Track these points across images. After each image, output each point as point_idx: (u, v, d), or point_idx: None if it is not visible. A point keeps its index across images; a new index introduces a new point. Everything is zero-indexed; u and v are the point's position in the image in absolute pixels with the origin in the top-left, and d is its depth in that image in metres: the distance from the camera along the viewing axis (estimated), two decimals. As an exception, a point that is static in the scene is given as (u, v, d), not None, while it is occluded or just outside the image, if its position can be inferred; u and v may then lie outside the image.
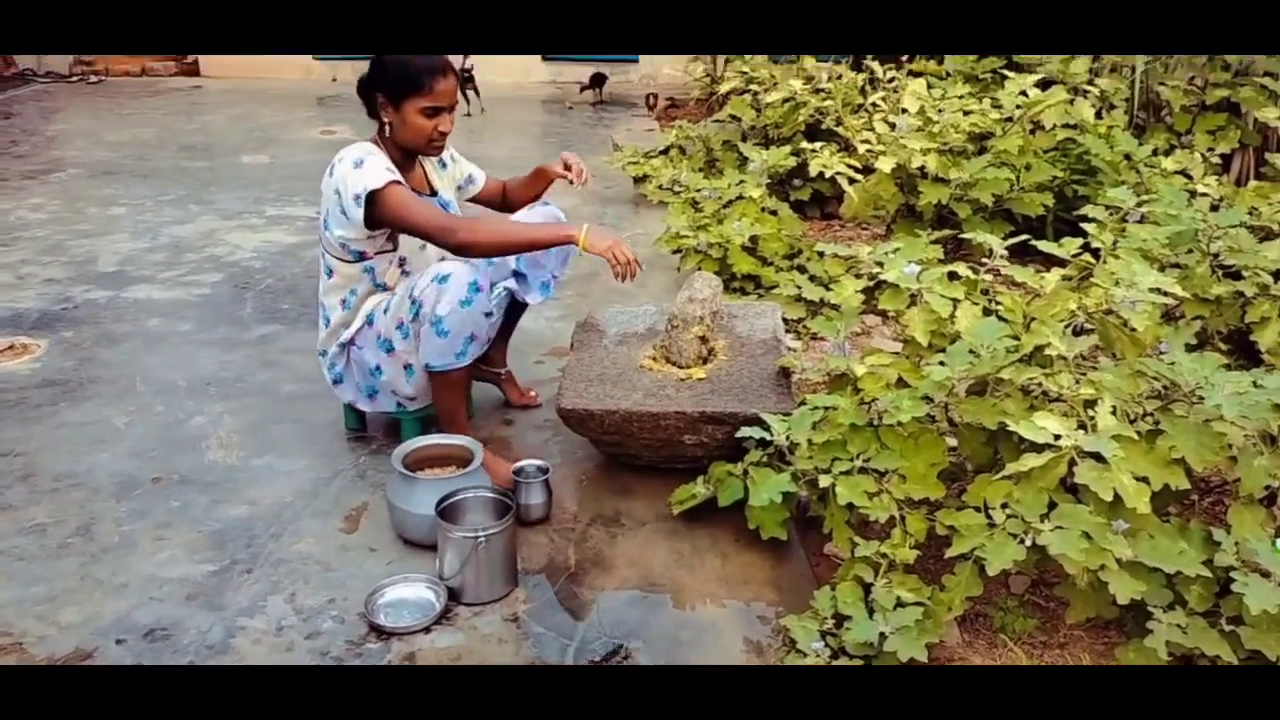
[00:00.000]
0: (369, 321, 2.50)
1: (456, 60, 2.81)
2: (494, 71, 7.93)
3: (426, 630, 2.03)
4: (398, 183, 2.35)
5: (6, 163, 5.62)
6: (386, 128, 2.44)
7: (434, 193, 2.61)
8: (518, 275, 2.74)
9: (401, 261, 2.51)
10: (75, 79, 8.25)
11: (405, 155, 2.49)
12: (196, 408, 2.93)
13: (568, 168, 2.74)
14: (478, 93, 6.95)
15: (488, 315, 2.39)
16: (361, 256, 2.46)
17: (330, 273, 2.50)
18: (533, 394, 2.94)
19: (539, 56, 8.12)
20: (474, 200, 2.83)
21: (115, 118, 6.83)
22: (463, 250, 2.34)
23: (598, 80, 7.48)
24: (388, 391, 2.54)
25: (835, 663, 1.84)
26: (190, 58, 8.54)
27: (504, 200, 2.85)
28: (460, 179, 2.77)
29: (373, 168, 2.35)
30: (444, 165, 2.69)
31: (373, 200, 2.32)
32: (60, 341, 3.37)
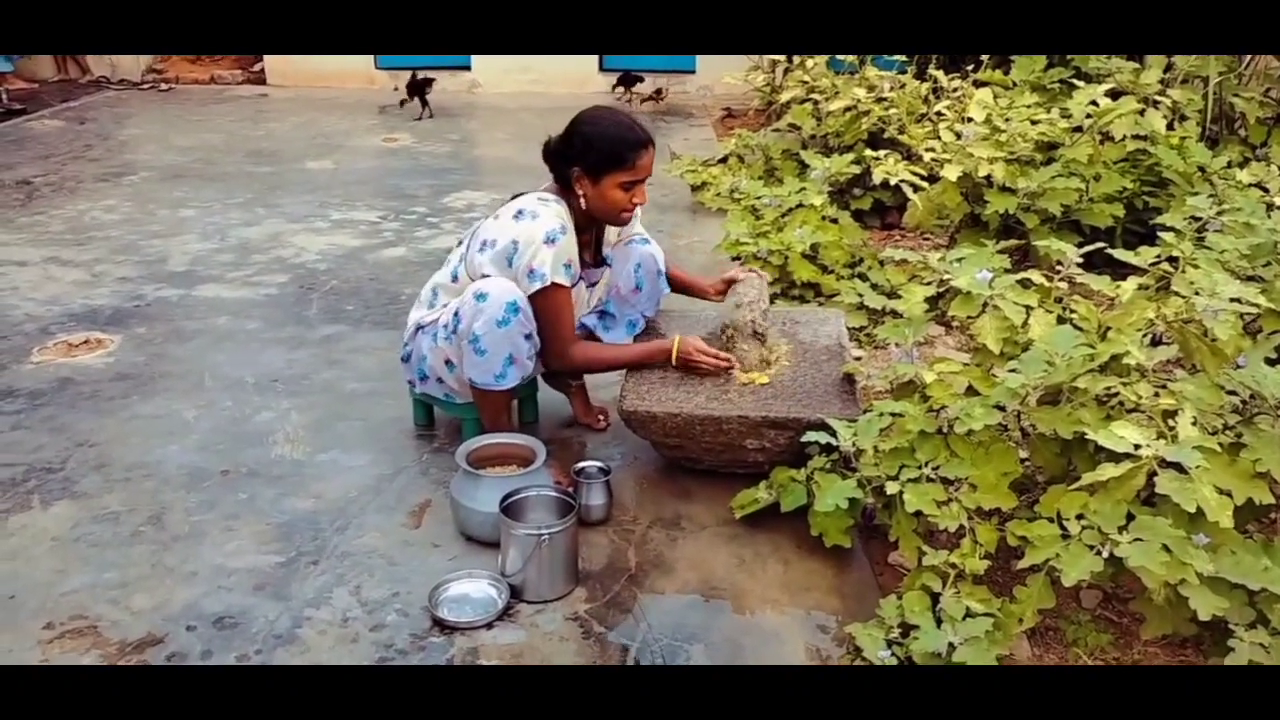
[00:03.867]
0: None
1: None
2: (552, 81, 8.01)
3: (489, 626, 2.04)
4: (567, 287, 2.38)
5: (82, 166, 5.79)
6: (580, 200, 2.41)
7: (603, 261, 2.64)
8: (603, 313, 2.71)
9: None
10: (146, 86, 8.48)
11: (583, 218, 2.48)
12: (263, 403, 2.98)
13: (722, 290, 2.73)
14: (425, 102, 7.16)
15: (528, 338, 2.37)
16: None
17: (455, 278, 2.50)
18: (601, 418, 2.85)
19: (595, 66, 8.17)
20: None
21: (185, 124, 7.00)
22: (555, 368, 2.56)
23: (627, 81, 7.50)
24: (434, 379, 2.56)
25: (902, 671, 1.81)
26: (257, 66, 8.74)
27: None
28: (630, 233, 2.70)
29: (560, 255, 2.35)
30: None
31: (546, 290, 2.36)
32: (133, 337, 3.45)
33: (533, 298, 2.37)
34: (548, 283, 2.34)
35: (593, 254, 2.61)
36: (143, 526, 2.37)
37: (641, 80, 7.55)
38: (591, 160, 2.35)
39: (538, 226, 2.35)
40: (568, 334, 2.44)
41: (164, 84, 8.53)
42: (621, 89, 7.51)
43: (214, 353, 3.33)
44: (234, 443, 2.75)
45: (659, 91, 7.56)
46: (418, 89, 7.12)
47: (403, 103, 7.18)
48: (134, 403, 2.98)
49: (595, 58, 8.17)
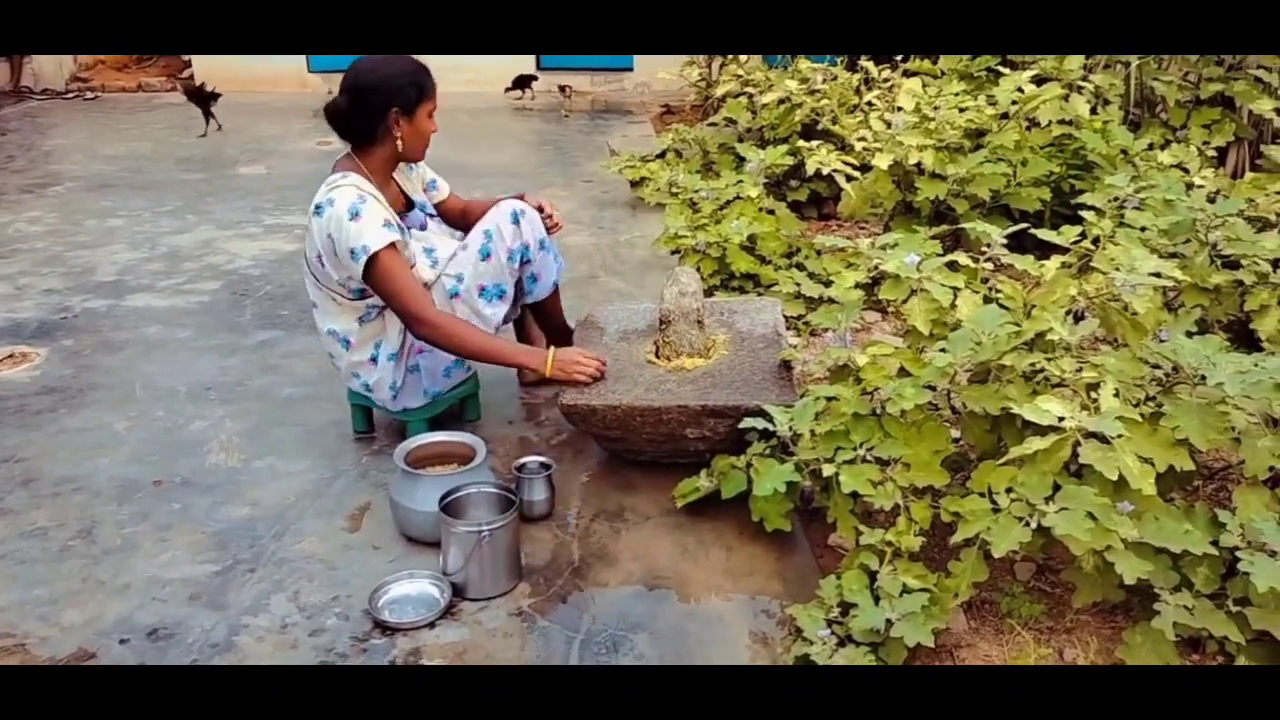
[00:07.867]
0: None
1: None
2: (488, 81, 7.95)
3: (431, 626, 2.02)
4: (393, 245, 2.36)
5: (4, 178, 5.61)
6: (398, 143, 2.45)
7: (410, 205, 2.64)
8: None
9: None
10: (71, 95, 8.25)
11: (384, 173, 2.51)
12: (197, 412, 2.92)
13: (540, 209, 2.72)
14: (210, 115, 6.77)
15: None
16: (363, 294, 2.46)
17: (335, 299, 2.50)
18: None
19: (533, 65, 8.13)
20: (436, 207, 2.77)
21: (112, 132, 6.83)
22: (419, 338, 2.44)
23: (522, 82, 7.45)
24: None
25: (842, 650, 1.83)
26: (186, 73, 8.55)
27: (463, 219, 2.78)
28: (425, 181, 2.76)
29: (370, 221, 2.35)
30: (411, 169, 2.70)
31: (371, 261, 2.34)
32: (60, 350, 3.36)
33: (366, 276, 2.37)
34: (370, 253, 2.34)
35: (401, 203, 2.62)
36: (72, 541, 2.31)
37: (536, 79, 7.50)
38: (406, 98, 2.41)
39: (338, 211, 2.36)
40: (417, 294, 2.40)
41: (89, 93, 8.31)
42: (517, 91, 7.46)
43: (145, 363, 3.26)
44: (167, 453, 2.69)
45: (564, 88, 7.52)
46: (201, 100, 6.70)
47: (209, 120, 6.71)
48: (62, 416, 2.91)
49: (532, 57, 8.13)
